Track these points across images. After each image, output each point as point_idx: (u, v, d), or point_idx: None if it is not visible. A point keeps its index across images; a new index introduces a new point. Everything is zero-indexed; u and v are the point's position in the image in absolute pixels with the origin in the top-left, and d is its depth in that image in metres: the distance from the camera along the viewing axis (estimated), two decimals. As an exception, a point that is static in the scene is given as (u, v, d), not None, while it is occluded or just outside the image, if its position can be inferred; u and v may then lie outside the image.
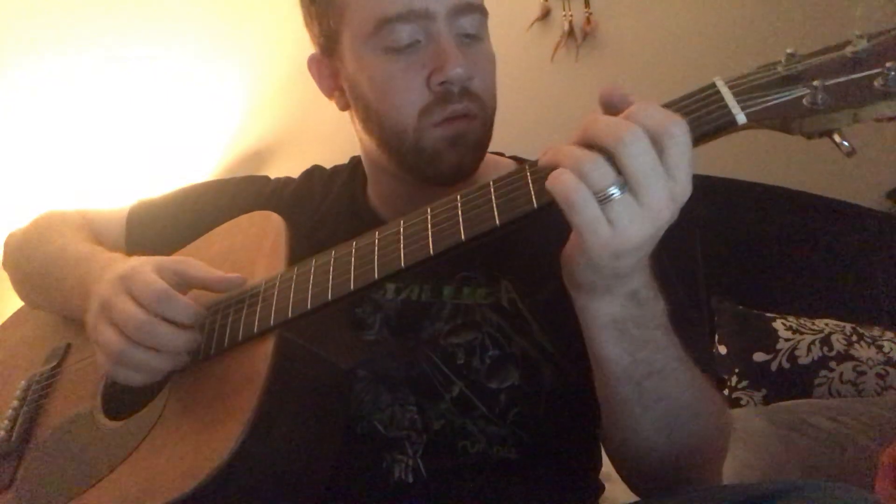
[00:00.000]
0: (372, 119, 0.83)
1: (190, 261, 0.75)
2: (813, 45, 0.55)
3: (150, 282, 0.70)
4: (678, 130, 0.53)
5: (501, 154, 0.96)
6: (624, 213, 0.54)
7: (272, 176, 1.05)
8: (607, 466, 0.92)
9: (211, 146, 2.06)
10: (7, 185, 1.89)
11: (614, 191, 0.53)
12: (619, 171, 0.53)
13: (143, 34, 1.97)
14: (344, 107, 0.89)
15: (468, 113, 0.80)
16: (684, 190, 0.55)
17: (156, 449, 0.70)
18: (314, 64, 0.89)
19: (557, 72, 1.97)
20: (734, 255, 1.80)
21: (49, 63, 1.90)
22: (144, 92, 1.99)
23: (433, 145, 0.80)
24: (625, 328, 0.63)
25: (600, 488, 0.91)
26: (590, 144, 0.55)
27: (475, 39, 0.81)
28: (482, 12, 0.82)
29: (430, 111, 0.79)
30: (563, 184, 0.54)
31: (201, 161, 2.05)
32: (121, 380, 0.72)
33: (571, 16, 1.94)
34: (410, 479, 0.77)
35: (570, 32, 1.94)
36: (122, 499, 0.68)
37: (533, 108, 1.96)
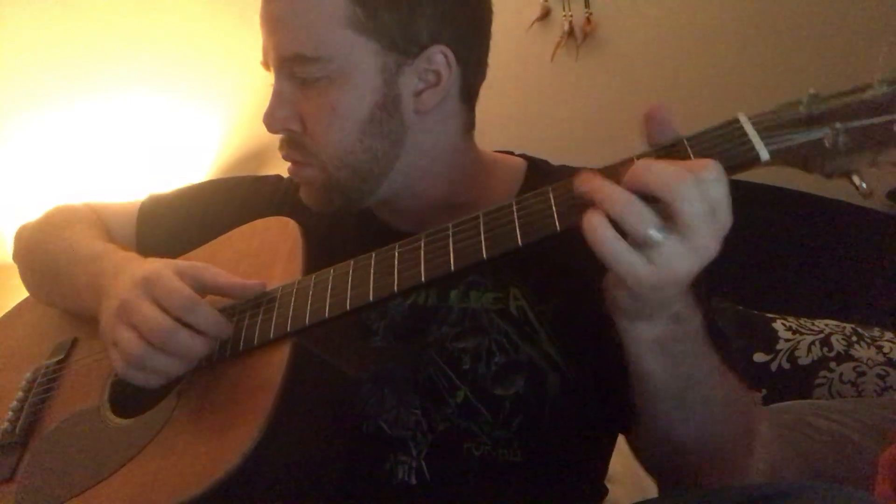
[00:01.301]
0: None
1: (209, 267, 0.76)
2: (808, 54, 0.56)
3: (175, 288, 0.70)
4: (717, 174, 0.55)
5: (511, 152, 0.96)
6: (666, 254, 0.55)
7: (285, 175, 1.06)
8: (611, 469, 0.93)
9: (209, 146, 2.06)
10: (7, 187, 1.89)
11: (655, 233, 0.55)
12: (669, 216, 0.54)
13: (144, 32, 1.96)
14: None
15: (294, 160, 0.82)
16: (726, 226, 0.57)
17: (166, 449, 0.71)
18: None
19: (557, 72, 1.97)
20: (734, 255, 1.80)
21: (49, 60, 1.89)
22: (141, 93, 1.98)
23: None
24: (666, 346, 0.65)
25: (604, 491, 0.92)
26: (639, 189, 0.56)
27: (311, 87, 0.79)
28: (306, 61, 0.78)
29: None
30: (596, 234, 0.56)
31: (198, 162, 2.05)
32: (137, 382, 0.73)
33: (571, 16, 1.93)
34: (414, 481, 0.78)
35: (570, 32, 1.94)
36: (129, 497, 0.69)
37: (533, 108, 1.97)
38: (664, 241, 0.55)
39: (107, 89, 1.94)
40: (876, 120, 0.51)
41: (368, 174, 0.81)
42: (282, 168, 0.87)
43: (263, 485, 0.66)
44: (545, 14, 1.94)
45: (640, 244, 0.55)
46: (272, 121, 0.79)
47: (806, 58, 1.75)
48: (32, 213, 1.04)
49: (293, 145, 0.81)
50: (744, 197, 2.00)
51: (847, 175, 0.53)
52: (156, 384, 0.72)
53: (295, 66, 0.78)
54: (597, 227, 0.56)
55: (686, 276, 0.57)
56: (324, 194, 0.82)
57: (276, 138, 0.83)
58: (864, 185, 0.52)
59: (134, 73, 1.96)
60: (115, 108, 1.96)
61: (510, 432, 0.79)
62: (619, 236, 0.55)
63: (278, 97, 0.79)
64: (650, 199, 0.55)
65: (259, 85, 1.98)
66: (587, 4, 1.92)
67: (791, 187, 1.82)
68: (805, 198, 1.80)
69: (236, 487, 0.63)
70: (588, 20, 1.92)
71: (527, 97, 1.94)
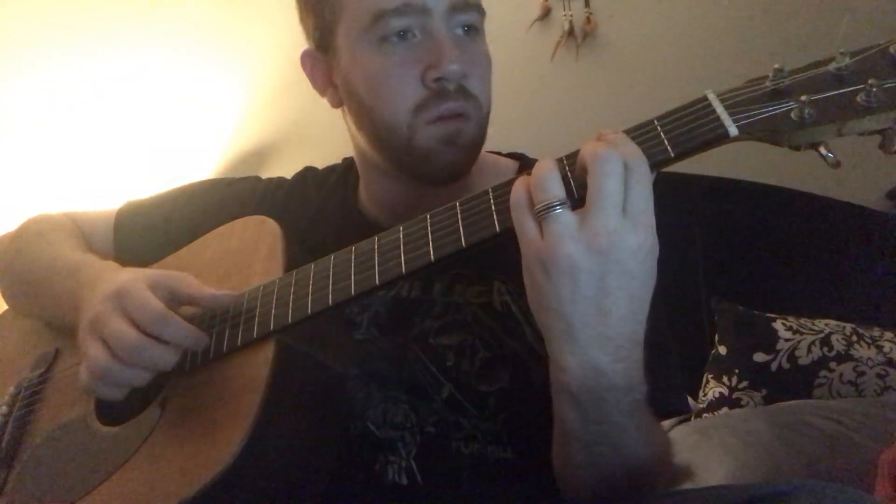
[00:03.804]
0: (364, 115, 0.82)
1: (183, 276, 0.74)
2: (800, 49, 0.56)
3: (146, 301, 0.69)
4: (643, 167, 0.56)
5: (499, 153, 0.96)
6: (557, 228, 0.56)
7: (266, 176, 1.05)
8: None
9: (209, 147, 2.08)
10: (5, 184, 1.90)
11: (556, 204, 0.56)
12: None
13: (144, 34, 1.98)
14: (337, 104, 0.88)
15: (463, 112, 0.79)
16: (641, 238, 0.56)
17: (155, 454, 0.70)
18: (308, 59, 0.88)
19: (557, 72, 1.97)
20: (734, 255, 1.81)
21: (50, 62, 1.91)
22: (144, 92, 2.00)
23: (426, 143, 0.79)
24: (579, 401, 0.61)
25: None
26: (579, 163, 0.58)
27: (471, 38, 0.81)
28: (479, 11, 0.81)
29: (424, 108, 0.78)
30: (512, 192, 0.59)
31: (200, 162, 2.06)
32: (100, 395, 0.72)
33: (571, 16, 1.93)
34: (404, 481, 0.77)
35: (570, 32, 1.94)
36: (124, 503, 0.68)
37: (533, 108, 1.97)
38: (560, 212, 0.56)
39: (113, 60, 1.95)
40: (840, 91, 0.51)
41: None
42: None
43: (254, 486, 0.66)
44: (545, 14, 1.95)
45: (541, 213, 0.57)
46: (461, 64, 0.77)
47: (805, 57, 1.74)
48: (27, 210, 1.03)
49: (464, 95, 0.79)
50: (744, 197, 2.01)
51: (814, 147, 0.53)
52: (119, 397, 0.71)
53: (471, 15, 0.80)
54: (514, 189, 0.59)
55: (569, 263, 0.55)
56: (471, 150, 0.82)
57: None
58: (830, 156, 0.52)
59: (146, 41, 1.97)
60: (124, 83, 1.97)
61: (497, 427, 0.79)
62: (526, 202, 0.58)
63: (454, 44, 0.78)
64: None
65: (274, 78, 1.97)
66: (587, 4, 1.93)
67: (792, 187, 1.81)
68: (805, 198, 1.80)
69: (227, 489, 0.63)
70: (588, 20, 1.93)
71: (527, 97, 1.94)
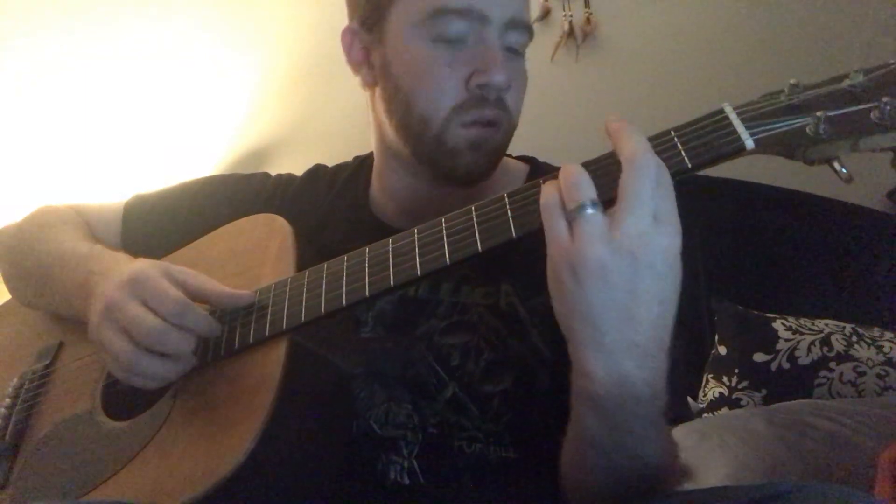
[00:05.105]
0: (399, 101, 0.83)
1: (196, 273, 0.75)
2: (806, 54, 0.56)
3: (165, 290, 0.69)
4: (665, 172, 0.56)
5: (509, 155, 0.96)
6: (588, 229, 0.55)
7: (273, 173, 1.05)
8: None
9: (214, 143, 2.07)
10: (4, 180, 1.90)
11: (587, 204, 0.56)
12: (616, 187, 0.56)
13: (148, 31, 1.98)
14: (371, 83, 0.88)
15: (496, 121, 0.81)
16: (669, 240, 0.56)
17: (165, 450, 0.70)
18: (349, 35, 0.89)
19: (557, 72, 1.98)
20: (734, 255, 1.81)
21: (51, 57, 1.90)
22: (149, 88, 1.99)
23: (454, 143, 0.81)
24: (602, 409, 0.60)
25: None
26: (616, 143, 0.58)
27: (517, 56, 0.84)
28: (530, 34, 0.84)
29: (462, 109, 0.80)
30: (542, 193, 0.59)
31: (204, 158, 2.06)
32: (137, 385, 0.72)
33: (571, 16, 1.94)
34: (406, 481, 0.77)
35: (570, 32, 1.94)
36: (132, 498, 0.68)
37: (533, 108, 1.96)
38: (592, 213, 0.56)
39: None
40: (854, 108, 0.52)
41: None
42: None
43: (262, 484, 0.66)
44: (545, 14, 1.95)
45: (571, 214, 0.56)
46: (506, 77, 0.79)
47: (804, 56, 1.75)
48: (28, 205, 1.03)
49: (500, 106, 0.81)
50: (744, 196, 2.01)
51: (828, 162, 0.53)
52: (155, 386, 0.72)
53: (522, 35, 0.82)
54: (544, 191, 0.59)
55: (596, 264, 0.55)
56: (493, 157, 0.84)
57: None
58: (844, 171, 0.52)
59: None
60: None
61: (499, 428, 0.79)
62: (558, 203, 0.58)
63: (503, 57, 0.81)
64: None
65: (282, 74, 1.95)
66: (587, 4, 1.93)
67: (792, 187, 1.82)
68: (806, 197, 1.80)
69: (238, 487, 0.63)
70: (588, 20, 1.93)
71: (527, 97, 1.94)
